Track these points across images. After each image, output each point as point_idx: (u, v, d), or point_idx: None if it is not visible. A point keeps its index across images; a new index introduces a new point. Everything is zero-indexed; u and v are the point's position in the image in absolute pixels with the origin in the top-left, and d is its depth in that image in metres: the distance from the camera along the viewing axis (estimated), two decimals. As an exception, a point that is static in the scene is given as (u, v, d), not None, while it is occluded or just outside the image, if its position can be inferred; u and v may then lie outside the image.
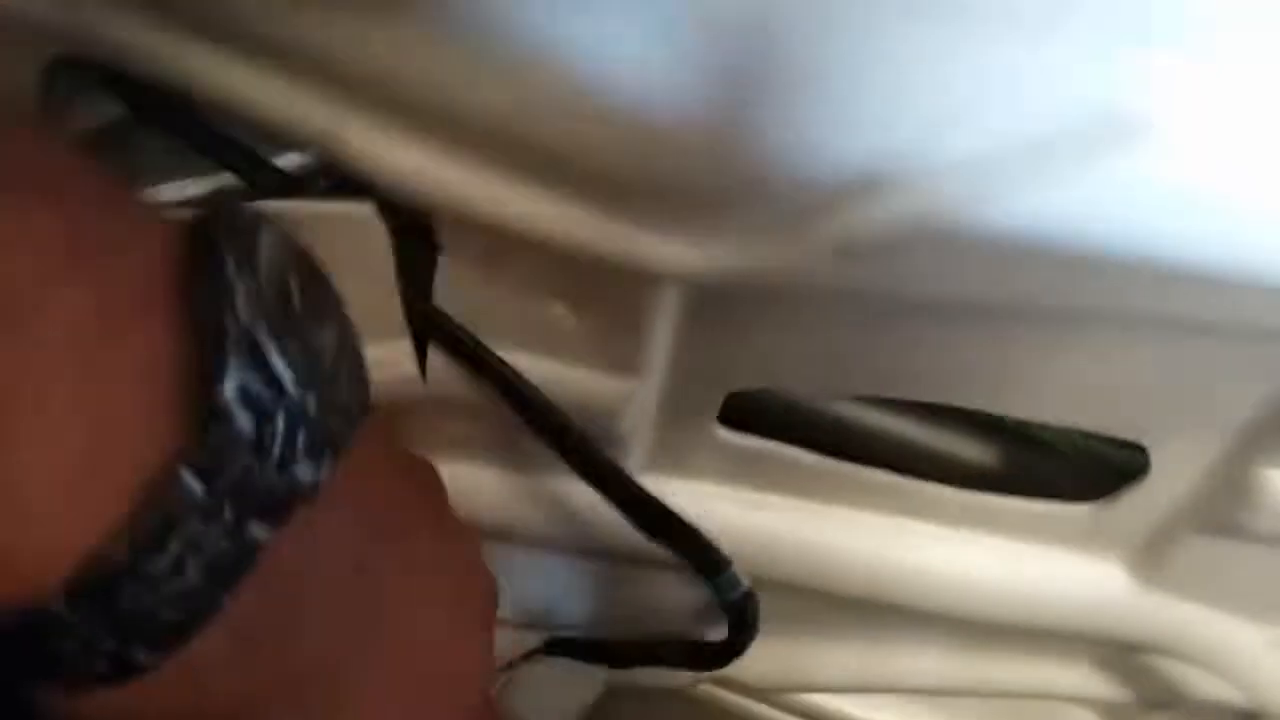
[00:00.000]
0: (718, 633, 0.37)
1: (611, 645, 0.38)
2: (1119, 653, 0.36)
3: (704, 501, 0.33)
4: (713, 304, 0.26)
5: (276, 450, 0.16)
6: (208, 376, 0.16)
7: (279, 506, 0.17)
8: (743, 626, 0.30)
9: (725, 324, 0.27)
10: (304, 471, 0.17)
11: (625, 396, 0.29)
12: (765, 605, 0.37)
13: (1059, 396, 0.29)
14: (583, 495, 0.33)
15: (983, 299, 0.24)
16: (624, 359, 0.28)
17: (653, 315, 0.26)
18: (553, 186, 0.23)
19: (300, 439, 0.17)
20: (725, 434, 0.32)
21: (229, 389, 0.16)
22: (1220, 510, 0.31)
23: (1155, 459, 0.30)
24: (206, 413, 0.16)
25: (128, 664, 0.17)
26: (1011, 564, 0.34)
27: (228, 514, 0.16)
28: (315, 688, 0.20)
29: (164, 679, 0.17)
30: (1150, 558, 0.33)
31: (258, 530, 0.17)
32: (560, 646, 0.38)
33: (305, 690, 0.19)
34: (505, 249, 0.25)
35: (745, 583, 0.30)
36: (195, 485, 0.16)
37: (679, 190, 0.23)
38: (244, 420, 0.16)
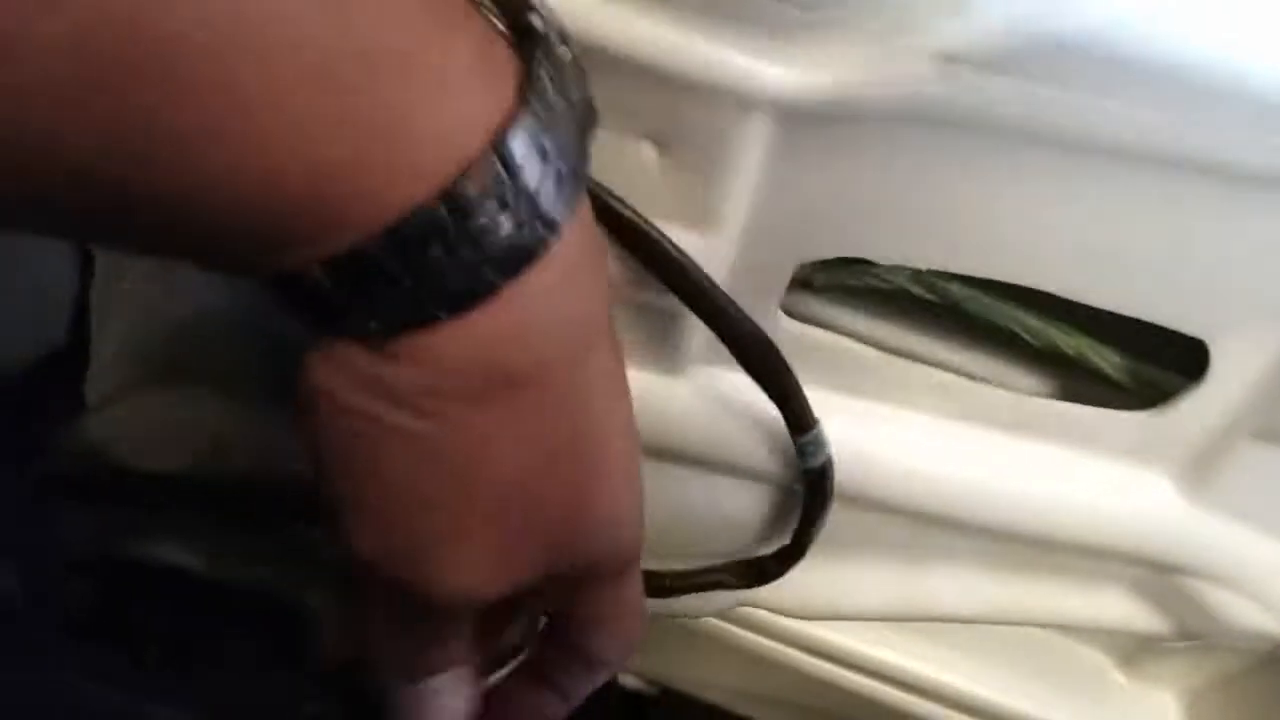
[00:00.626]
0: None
1: (662, 575, 0.37)
2: (1156, 577, 0.37)
3: (758, 396, 0.33)
4: (798, 145, 0.26)
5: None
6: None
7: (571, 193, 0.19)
8: (821, 497, 0.30)
9: (807, 172, 0.27)
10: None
11: (701, 254, 0.28)
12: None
13: (1126, 280, 0.29)
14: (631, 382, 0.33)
15: (1071, 129, 0.24)
16: (705, 209, 0.27)
17: (739, 151, 0.26)
18: (645, 4, 0.23)
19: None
20: (787, 321, 0.32)
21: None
22: (1275, 414, 0.31)
23: (1215, 357, 0.31)
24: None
25: (475, 292, 0.19)
26: (1062, 475, 0.34)
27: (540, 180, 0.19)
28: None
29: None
30: (1202, 471, 0.33)
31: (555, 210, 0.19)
32: None
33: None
34: (594, 76, 0.25)
35: (829, 449, 0.30)
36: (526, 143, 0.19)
37: (773, 6, 0.23)
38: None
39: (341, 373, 0.19)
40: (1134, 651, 0.47)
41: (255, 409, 0.33)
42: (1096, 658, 0.48)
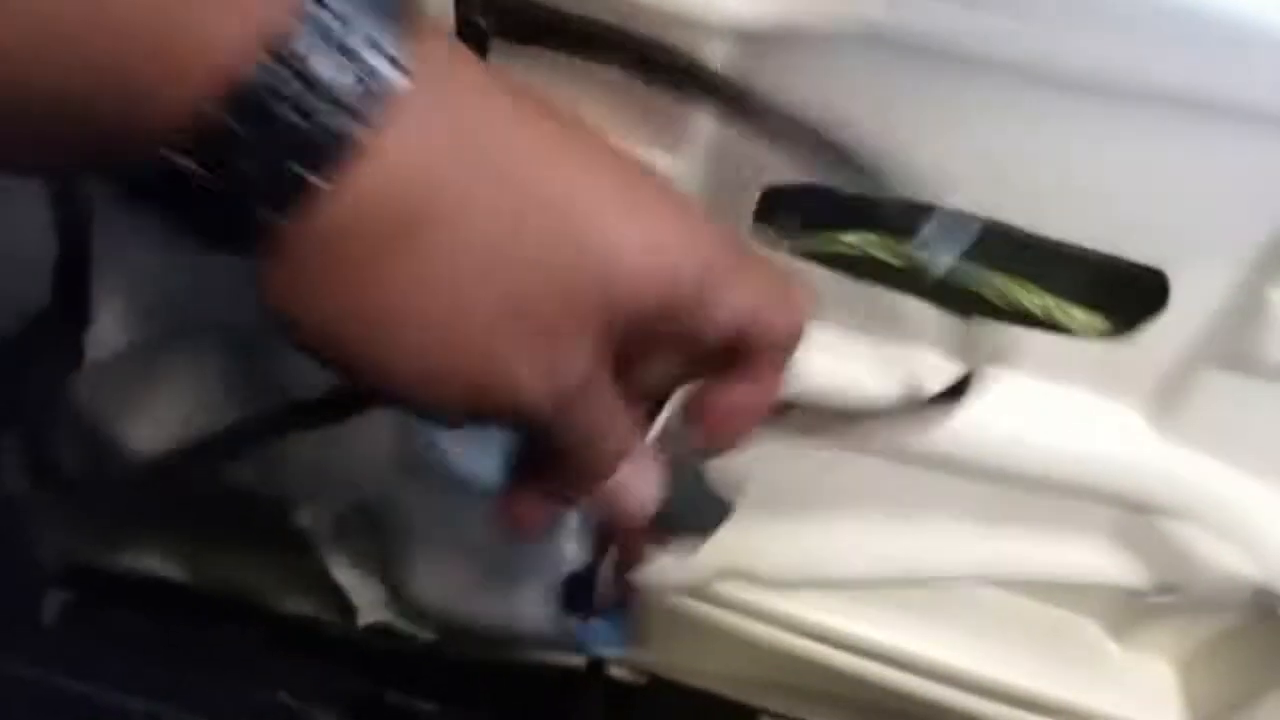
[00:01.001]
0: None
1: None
2: (1135, 523, 0.36)
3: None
4: (756, 68, 0.26)
5: None
6: None
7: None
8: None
9: (767, 95, 0.27)
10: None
11: (670, 174, 0.29)
12: (785, 477, 0.37)
13: (1085, 209, 0.29)
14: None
15: (1024, 58, 0.25)
16: (672, 131, 0.28)
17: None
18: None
19: None
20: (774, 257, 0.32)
21: None
22: (1239, 341, 0.31)
23: (1175, 286, 0.31)
24: None
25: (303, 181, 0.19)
26: (1033, 407, 0.34)
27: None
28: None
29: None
30: (1169, 401, 0.33)
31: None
32: None
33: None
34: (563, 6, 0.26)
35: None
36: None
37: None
38: None
39: (287, 274, 0.20)
40: (1125, 620, 0.46)
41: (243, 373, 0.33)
42: (1090, 628, 0.48)
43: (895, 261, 0.32)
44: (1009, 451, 0.34)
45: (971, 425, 0.34)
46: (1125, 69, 0.26)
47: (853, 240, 0.32)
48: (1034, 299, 0.33)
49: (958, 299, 0.34)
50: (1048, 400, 0.34)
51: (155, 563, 0.51)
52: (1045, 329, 0.34)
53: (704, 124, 0.28)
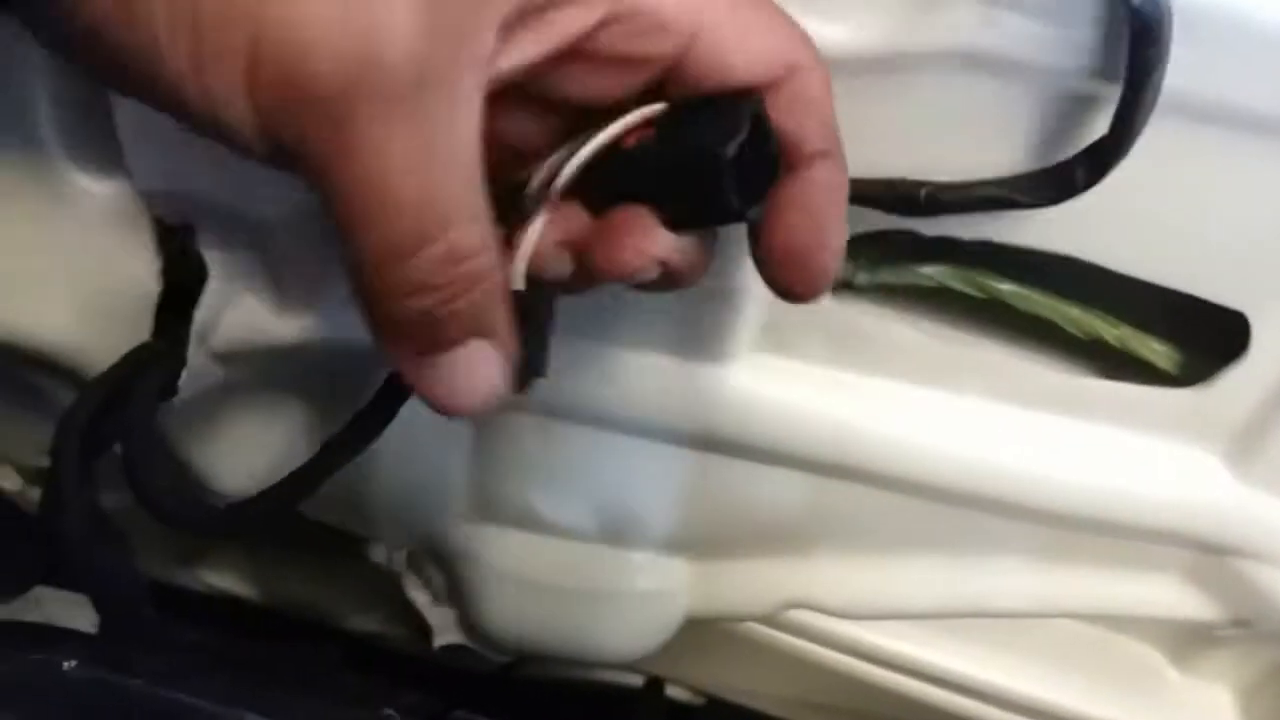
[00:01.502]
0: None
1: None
2: (1208, 562, 0.37)
3: (808, 384, 0.34)
4: (854, 98, 0.26)
5: None
6: None
7: None
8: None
9: (858, 127, 0.26)
10: None
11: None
12: (851, 515, 0.37)
13: (1168, 251, 0.29)
14: (690, 372, 0.33)
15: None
16: None
17: None
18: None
19: None
20: (836, 306, 0.32)
21: None
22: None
23: (1256, 330, 0.31)
24: None
25: None
26: (1110, 456, 0.34)
27: None
28: None
29: None
30: (1249, 447, 0.34)
31: None
32: None
33: None
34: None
35: None
36: None
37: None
38: None
39: None
40: (1186, 646, 0.46)
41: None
42: (1148, 654, 0.48)
43: (973, 293, 0.33)
44: (1085, 499, 0.35)
45: (1044, 473, 0.34)
46: (1213, 97, 0.26)
47: (930, 272, 0.33)
48: (1111, 329, 0.33)
49: (1034, 330, 0.34)
50: (1126, 448, 0.34)
51: (229, 581, 0.52)
52: (1121, 362, 0.35)
53: None
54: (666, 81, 0.22)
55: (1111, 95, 0.25)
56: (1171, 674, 0.47)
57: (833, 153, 0.23)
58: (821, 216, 0.23)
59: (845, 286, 0.33)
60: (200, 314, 0.28)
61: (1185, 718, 0.46)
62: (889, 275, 0.33)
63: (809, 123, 0.23)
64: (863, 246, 0.32)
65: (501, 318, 0.22)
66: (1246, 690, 0.47)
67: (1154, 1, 0.24)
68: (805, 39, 0.23)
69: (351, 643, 0.51)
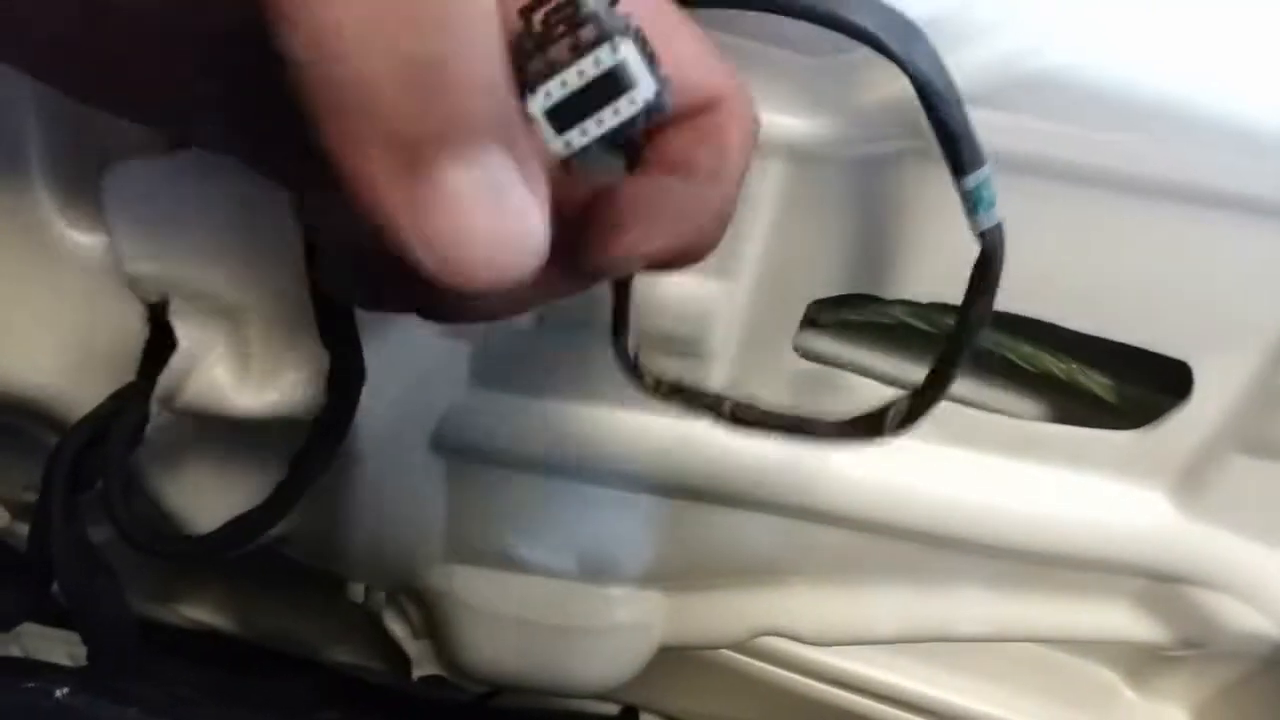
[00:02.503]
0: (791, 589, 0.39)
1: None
2: (1158, 588, 0.38)
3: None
4: (810, 186, 0.28)
5: None
6: None
7: None
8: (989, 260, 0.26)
9: (820, 212, 0.29)
10: None
11: (719, 300, 0.30)
12: (820, 550, 0.39)
13: (1110, 305, 0.31)
14: (663, 428, 0.35)
15: (1057, 159, 0.27)
16: (722, 256, 0.29)
17: (756, 196, 0.28)
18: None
19: None
20: (799, 360, 0.34)
21: None
22: (1261, 427, 0.33)
23: (1198, 377, 0.33)
24: None
25: None
26: (1060, 493, 0.36)
27: None
28: None
29: None
30: (1193, 484, 0.35)
31: None
32: None
33: None
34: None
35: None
36: None
37: (782, 55, 0.25)
38: None
39: None
40: (1141, 667, 0.48)
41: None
42: (1105, 675, 0.49)
43: (928, 329, 0.34)
44: (1036, 535, 0.36)
45: (998, 511, 0.36)
46: (1143, 166, 0.28)
47: (889, 309, 0.34)
48: (1058, 365, 0.35)
49: (987, 363, 0.36)
50: (1072, 486, 0.36)
51: (208, 614, 0.52)
52: (1068, 397, 0.36)
53: (756, 248, 0.30)
54: None
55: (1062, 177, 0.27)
56: (1128, 694, 0.49)
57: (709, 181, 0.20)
58: (639, 215, 0.18)
59: (809, 323, 0.35)
60: (164, 379, 0.29)
61: (1142, 737, 0.48)
62: (850, 312, 0.34)
63: (703, 154, 0.20)
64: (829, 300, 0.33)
65: (515, 119, 0.15)
66: (1200, 709, 0.48)
67: (997, 255, 0.26)
68: (735, 81, 0.20)
69: (330, 675, 0.52)
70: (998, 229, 0.26)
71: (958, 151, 0.25)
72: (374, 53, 0.14)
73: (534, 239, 0.15)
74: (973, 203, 0.25)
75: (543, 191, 0.15)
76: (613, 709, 0.53)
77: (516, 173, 0.15)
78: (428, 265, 0.15)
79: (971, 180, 0.25)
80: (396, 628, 0.44)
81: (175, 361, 0.28)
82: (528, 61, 0.15)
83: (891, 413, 0.28)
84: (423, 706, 0.51)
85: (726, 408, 0.30)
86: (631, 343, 0.27)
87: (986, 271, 0.26)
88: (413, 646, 0.44)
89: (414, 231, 0.14)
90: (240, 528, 0.31)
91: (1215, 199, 0.28)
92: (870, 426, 0.29)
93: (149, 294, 0.28)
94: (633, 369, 0.28)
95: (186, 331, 0.28)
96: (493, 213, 0.15)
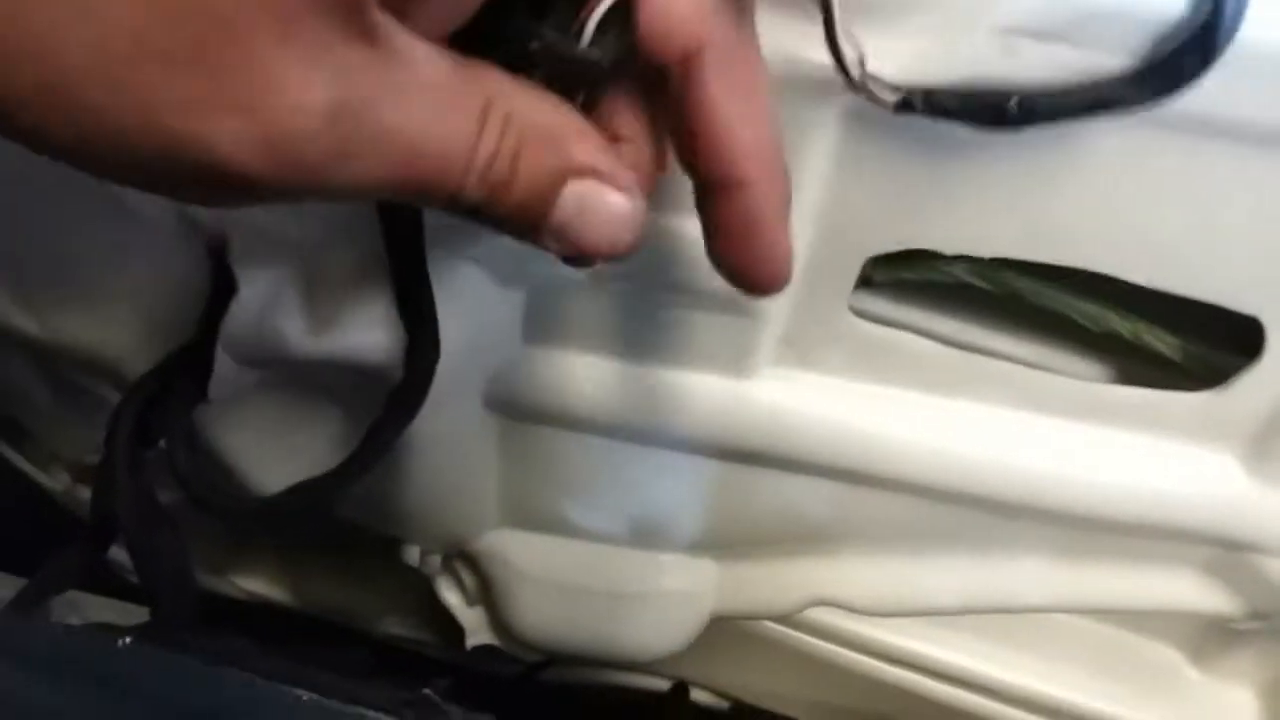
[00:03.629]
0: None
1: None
2: (1227, 556, 0.37)
3: (829, 397, 0.35)
4: (867, 136, 0.27)
5: None
6: None
7: None
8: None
9: (877, 163, 0.28)
10: None
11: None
12: (875, 518, 0.38)
13: (1181, 260, 0.30)
14: (720, 388, 0.34)
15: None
16: None
17: (811, 144, 0.27)
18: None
19: None
20: (855, 320, 0.33)
21: None
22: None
23: (1270, 334, 0.32)
24: None
25: None
26: (1128, 458, 0.35)
27: None
28: None
29: None
30: (1265, 447, 0.34)
31: None
32: None
33: None
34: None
35: None
36: None
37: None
38: None
39: None
40: (1206, 645, 0.47)
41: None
42: (1168, 653, 0.48)
43: (990, 288, 0.33)
44: (1104, 501, 0.35)
45: (1064, 477, 0.35)
46: (1216, 105, 0.26)
47: (948, 267, 0.33)
48: (1124, 324, 0.34)
49: (1049, 325, 0.35)
50: (1139, 450, 0.35)
51: (260, 585, 0.53)
52: (1134, 358, 0.35)
53: (811, 198, 0.29)
54: None
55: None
56: (1192, 673, 0.48)
57: (762, 178, 0.22)
58: (758, 236, 0.23)
59: (864, 283, 0.34)
60: (227, 326, 0.29)
61: (1206, 717, 0.47)
62: (906, 271, 0.34)
63: (741, 128, 0.22)
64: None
65: (573, 149, 0.21)
66: (1268, 689, 0.47)
67: None
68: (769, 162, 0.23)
69: (381, 646, 0.52)
70: None
71: None
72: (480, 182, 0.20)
73: (627, 219, 0.22)
74: None
75: (628, 177, 0.21)
76: (663, 685, 0.53)
77: (593, 187, 0.21)
78: (568, 253, 0.22)
79: None
80: (450, 596, 0.44)
81: (237, 306, 0.28)
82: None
83: (1187, 60, 0.24)
84: (471, 679, 0.51)
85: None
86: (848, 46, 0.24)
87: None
88: (466, 615, 0.44)
89: (553, 247, 0.21)
90: (307, 493, 0.32)
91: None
92: (1169, 76, 0.25)
93: (210, 240, 0.28)
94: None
95: (248, 274, 0.28)
96: (593, 222, 0.21)
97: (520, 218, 0.21)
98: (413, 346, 0.28)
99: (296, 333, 0.29)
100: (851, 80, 0.24)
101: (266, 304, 0.28)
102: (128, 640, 0.27)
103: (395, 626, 0.53)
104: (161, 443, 0.32)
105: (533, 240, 0.21)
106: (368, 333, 0.29)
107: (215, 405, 0.32)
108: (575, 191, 0.21)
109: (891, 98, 0.25)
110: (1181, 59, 0.24)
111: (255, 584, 0.53)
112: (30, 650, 0.25)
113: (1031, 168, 0.29)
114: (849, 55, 0.23)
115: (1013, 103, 0.25)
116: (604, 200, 0.21)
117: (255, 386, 0.31)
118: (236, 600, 0.54)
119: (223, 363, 0.30)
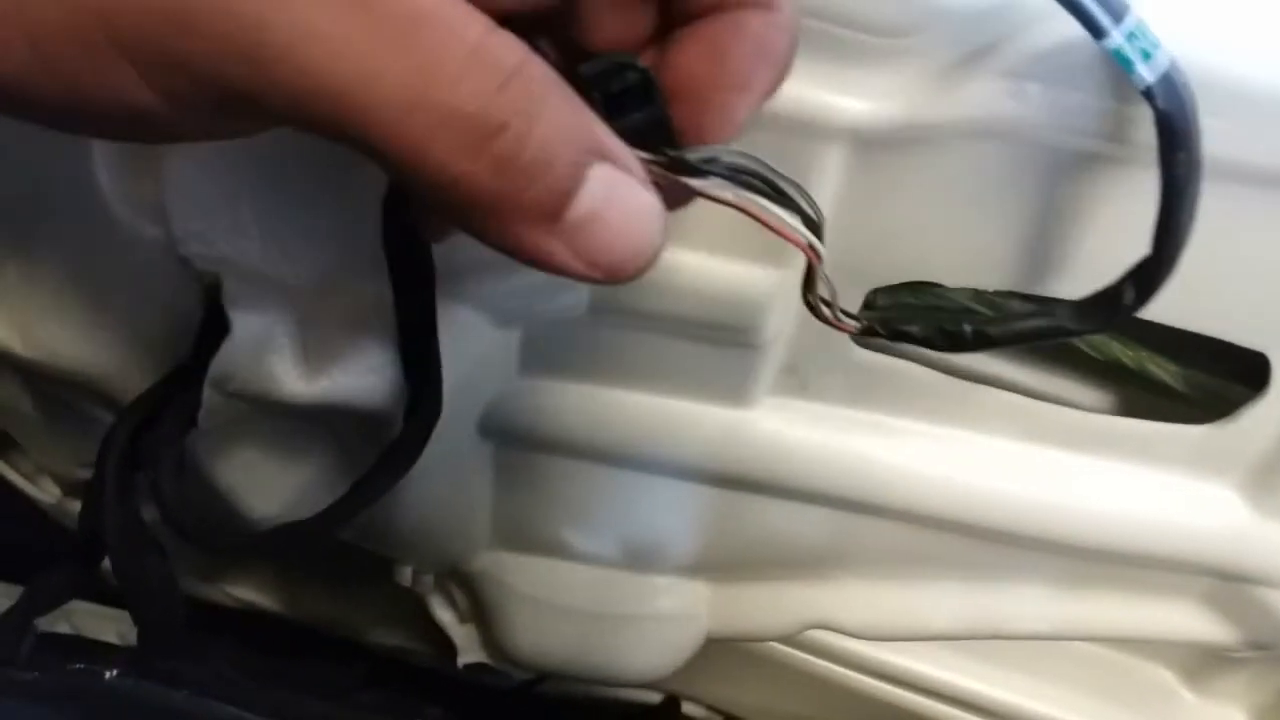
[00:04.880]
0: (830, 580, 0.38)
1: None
2: (1227, 588, 0.37)
3: (829, 426, 0.35)
4: (872, 172, 0.27)
5: None
6: None
7: None
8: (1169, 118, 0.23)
9: (881, 198, 0.28)
10: None
11: (772, 288, 0.30)
12: (870, 544, 0.38)
13: (1187, 295, 0.29)
14: (714, 417, 0.34)
15: (1136, 140, 0.25)
16: (773, 242, 0.29)
17: (816, 181, 0.26)
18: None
19: None
20: (857, 349, 0.33)
21: None
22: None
23: (1276, 369, 0.31)
24: None
25: None
26: (1128, 489, 0.35)
27: None
28: None
29: None
30: (1266, 481, 0.34)
31: None
32: None
33: None
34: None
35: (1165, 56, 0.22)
36: None
37: (848, 35, 0.24)
38: None
39: None
40: (1200, 668, 0.47)
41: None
42: (1162, 675, 0.48)
43: (989, 313, 0.33)
44: (1103, 532, 0.35)
45: (1063, 507, 0.35)
46: (1220, 147, 0.26)
47: (952, 294, 0.33)
48: (1128, 353, 0.34)
49: (1052, 351, 0.35)
50: (1139, 481, 0.35)
51: (256, 595, 0.52)
52: (1137, 387, 0.35)
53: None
54: None
55: (1130, 156, 0.26)
56: (1186, 695, 0.47)
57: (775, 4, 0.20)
58: (733, 60, 0.20)
59: (866, 308, 0.33)
60: (217, 365, 0.29)
61: (1199, 739, 0.46)
62: (910, 298, 0.33)
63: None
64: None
65: (599, 130, 0.18)
66: (1261, 711, 0.47)
67: (1178, 103, 0.23)
68: None
69: (375, 659, 0.52)
70: (1170, 75, 0.22)
71: (1089, 12, 0.22)
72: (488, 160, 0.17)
73: (658, 211, 0.18)
74: (1127, 58, 0.22)
75: (645, 182, 0.18)
76: (655, 698, 0.52)
77: (623, 177, 0.18)
78: (592, 278, 0.18)
79: (1120, 32, 0.22)
80: (443, 614, 0.43)
81: (228, 347, 0.28)
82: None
83: (1127, 293, 0.25)
84: (466, 692, 0.50)
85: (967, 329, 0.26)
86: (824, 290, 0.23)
87: (1168, 130, 0.23)
88: (459, 632, 0.44)
89: (578, 253, 0.18)
90: (291, 534, 0.31)
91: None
92: (1110, 309, 0.25)
93: (203, 275, 0.28)
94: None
95: (239, 315, 0.27)
96: (622, 211, 0.18)
97: (535, 207, 0.17)
98: (415, 402, 0.28)
99: (289, 377, 0.28)
100: (824, 318, 0.23)
101: (258, 346, 0.28)
102: (114, 674, 0.27)
103: (390, 638, 0.52)
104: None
105: (540, 246, 0.17)
106: (362, 379, 0.28)
107: (206, 430, 0.31)
108: (602, 176, 0.17)
109: (855, 325, 0.25)
110: (1121, 293, 0.25)
111: (250, 594, 0.53)
112: (16, 685, 0.25)
113: (1035, 202, 0.28)
114: (825, 296, 0.23)
115: (968, 330, 0.26)
116: (633, 191, 0.18)
117: (248, 416, 0.31)
118: (231, 610, 0.53)
119: (211, 395, 0.29)
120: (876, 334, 0.25)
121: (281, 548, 0.30)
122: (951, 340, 0.26)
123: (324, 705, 0.29)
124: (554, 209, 0.17)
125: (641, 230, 0.18)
